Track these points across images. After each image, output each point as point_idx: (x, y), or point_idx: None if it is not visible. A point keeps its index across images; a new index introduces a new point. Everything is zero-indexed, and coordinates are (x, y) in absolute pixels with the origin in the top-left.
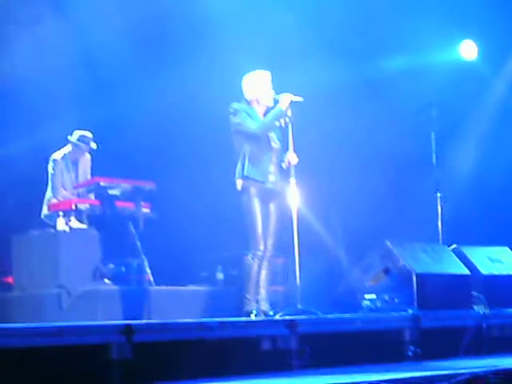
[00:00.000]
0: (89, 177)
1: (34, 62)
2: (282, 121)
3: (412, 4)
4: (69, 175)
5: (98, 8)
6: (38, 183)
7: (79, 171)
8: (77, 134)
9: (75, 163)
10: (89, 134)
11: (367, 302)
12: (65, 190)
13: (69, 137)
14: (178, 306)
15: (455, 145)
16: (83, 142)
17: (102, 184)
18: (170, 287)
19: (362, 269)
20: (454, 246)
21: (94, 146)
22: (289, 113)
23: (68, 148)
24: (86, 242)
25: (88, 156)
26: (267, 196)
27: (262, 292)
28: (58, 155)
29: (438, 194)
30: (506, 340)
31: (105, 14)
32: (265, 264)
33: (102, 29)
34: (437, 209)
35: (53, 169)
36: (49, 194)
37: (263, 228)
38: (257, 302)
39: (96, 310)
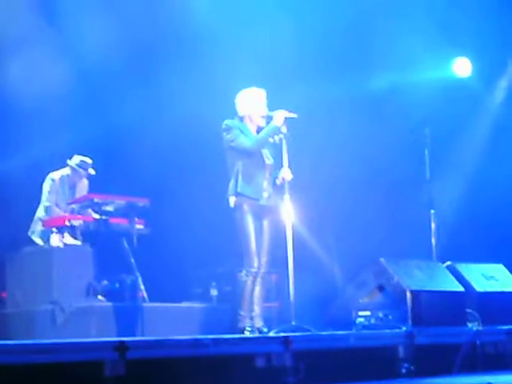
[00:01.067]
0: None
1: (26, 79)
2: (276, 137)
3: (406, 21)
4: (64, 196)
5: (90, 24)
6: (32, 200)
7: (76, 196)
8: (77, 158)
9: (72, 187)
10: (88, 160)
11: (361, 319)
12: (58, 207)
13: (68, 161)
14: (171, 322)
15: (449, 162)
16: (82, 168)
17: (95, 200)
18: (163, 304)
19: (356, 286)
20: (448, 263)
21: (92, 172)
22: (283, 129)
23: (66, 171)
24: (79, 258)
25: (86, 182)
26: (261, 212)
27: (256, 309)
28: (56, 175)
29: (432, 211)
30: (499, 357)
31: (97, 31)
32: (259, 280)
33: (94, 46)
34: (431, 226)
35: (49, 187)
36: (41, 212)
37: (257, 244)
38: (251, 318)
39: (89, 327)
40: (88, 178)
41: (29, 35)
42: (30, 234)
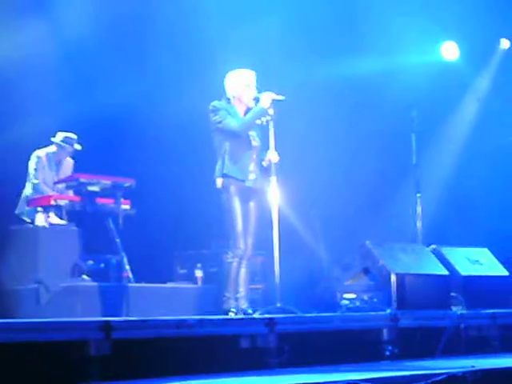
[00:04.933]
0: None
1: (10, 56)
2: (264, 119)
3: (393, 5)
4: (51, 173)
5: (79, 3)
6: (17, 178)
7: (60, 173)
8: (61, 135)
9: (58, 164)
10: (73, 136)
11: (346, 302)
12: (46, 185)
13: (53, 138)
14: (156, 303)
15: (435, 146)
16: (68, 144)
17: (81, 180)
18: (149, 284)
19: (341, 268)
20: (433, 246)
21: (78, 147)
22: (270, 111)
23: (52, 148)
24: (65, 238)
25: (71, 161)
26: (247, 194)
27: (242, 290)
28: (41, 152)
29: (418, 195)
30: (483, 340)
31: (87, 11)
32: (244, 262)
33: (82, 25)
34: (416, 209)
35: (36, 164)
36: (28, 190)
37: (243, 226)
38: (236, 300)
39: (75, 306)
40: (74, 154)
41: (15, 11)
42: (18, 213)
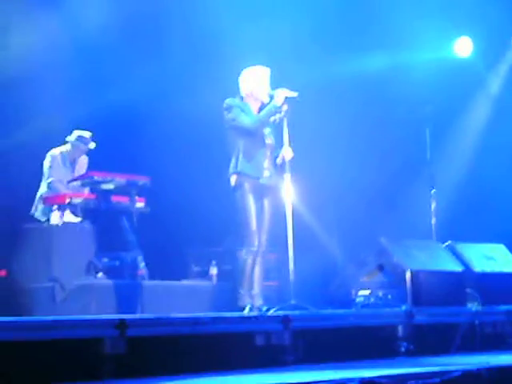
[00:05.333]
0: None
1: (25, 54)
2: (278, 116)
3: (408, 2)
4: (66, 171)
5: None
6: (32, 177)
7: (75, 171)
8: (76, 133)
9: (73, 163)
10: (87, 134)
11: (361, 298)
12: (61, 183)
13: (68, 137)
14: (171, 300)
15: (450, 141)
16: (82, 142)
17: (96, 178)
18: (163, 282)
19: (356, 265)
20: (449, 242)
21: (92, 145)
22: (284, 108)
23: (67, 147)
24: (79, 236)
25: (86, 159)
26: (261, 191)
27: (256, 287)
28: (56, 151)
29: (433, 191)
30: (498, 337)
31: (100, 7)
32: (259, 259)
33: (96, 22)
34: (431, 205)
35: (50, 163)
36: (43, 189)
37: (257, 223)
38: (250, 297)
39: (89, 304)
40: (88, 153)
41: (28, 8)
42: (33, 211)
